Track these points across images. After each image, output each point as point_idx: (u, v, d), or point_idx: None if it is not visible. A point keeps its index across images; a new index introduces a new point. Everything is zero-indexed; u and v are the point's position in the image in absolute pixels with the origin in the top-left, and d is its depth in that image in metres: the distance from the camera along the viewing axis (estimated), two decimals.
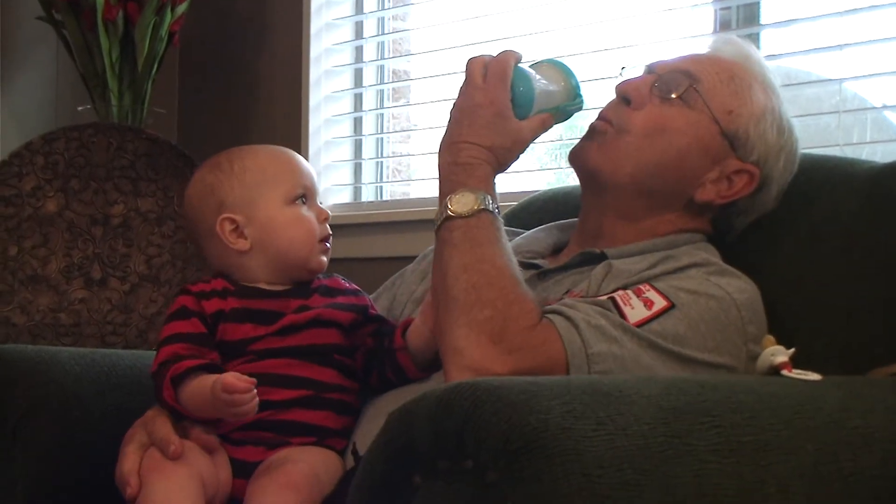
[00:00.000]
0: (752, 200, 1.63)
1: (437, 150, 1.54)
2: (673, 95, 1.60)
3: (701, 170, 1.60)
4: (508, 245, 1.48)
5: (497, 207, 1.47)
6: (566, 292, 1.56)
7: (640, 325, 1.41)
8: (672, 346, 1.41)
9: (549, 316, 1.41)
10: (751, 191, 1.61)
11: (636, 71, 1.67)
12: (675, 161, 1.60)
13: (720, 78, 1.62)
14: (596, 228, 1.66)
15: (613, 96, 1.65)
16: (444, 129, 1.54)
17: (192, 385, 1.48)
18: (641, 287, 1.46)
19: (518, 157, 1.54)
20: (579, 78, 1.58)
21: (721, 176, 1.60)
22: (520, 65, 1.53)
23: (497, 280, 1.41)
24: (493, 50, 1.55)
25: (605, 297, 1.45)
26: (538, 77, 1.55)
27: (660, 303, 1.43)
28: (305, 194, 1.61)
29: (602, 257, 1.59)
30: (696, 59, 1.66)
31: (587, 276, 1.57)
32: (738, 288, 1.50)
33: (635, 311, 1.42)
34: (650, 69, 1.66)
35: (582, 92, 1.58)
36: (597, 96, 1.71)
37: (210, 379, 1.45)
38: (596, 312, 1.41)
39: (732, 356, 1.45)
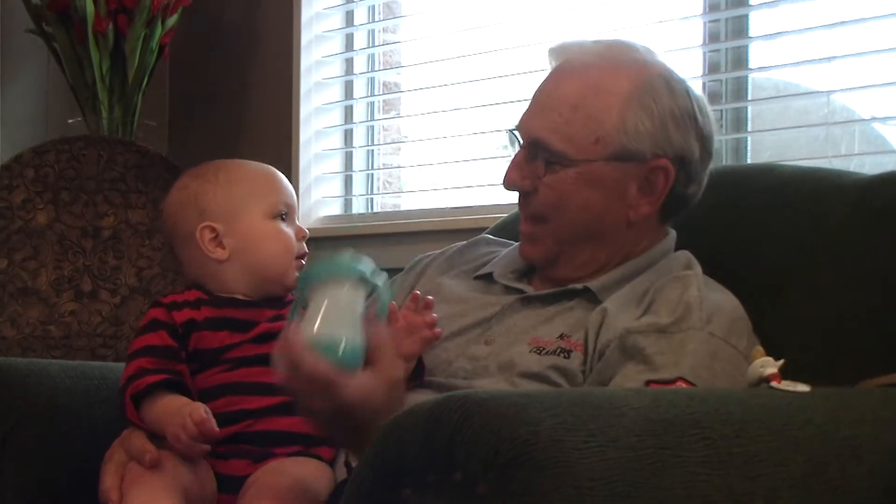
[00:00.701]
0: (684, 174, 1.62)
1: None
2: (544, 167, 1.60)
3: (618, 199, 1.61)
4: None
5: None
6: (560, 335, 1.56)
7: None
8: None
9: None
10: (674, 176, 1.61)
11: (515, 144, 1.67)
12: (592, 214, 1.61)
13: (565, 117, 1.60)
14: (560, 271, 1.67)
15: None
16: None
17: (156, 403, 1.50)
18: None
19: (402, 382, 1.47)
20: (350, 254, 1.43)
21: (640, 185, 1.61)
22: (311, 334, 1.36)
23: None
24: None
25: None
26: (330, 310, 1.38)
27: None
28: (287, 212, 1.64)
29: (586, 291, 1.60)
30: (538, 111, 1.64)
31: (578, 317, 1.58)
32: (735, 329, 1.52)
33: None
34: (521, 132, 1.65)
35: (366, 267, 1.41)
36: None
37: (178, 402, 1.48)
38: None
39: None
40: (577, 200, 1.61)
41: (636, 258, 1.63)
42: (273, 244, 1.62)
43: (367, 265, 1.42)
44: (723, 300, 1.56)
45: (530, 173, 1.63)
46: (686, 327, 1.50)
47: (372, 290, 1.41)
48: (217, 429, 1.46)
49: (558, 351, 1.53)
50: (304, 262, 1.65)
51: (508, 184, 1.66)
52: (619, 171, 1.59)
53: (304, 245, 1.66)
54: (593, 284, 1.61)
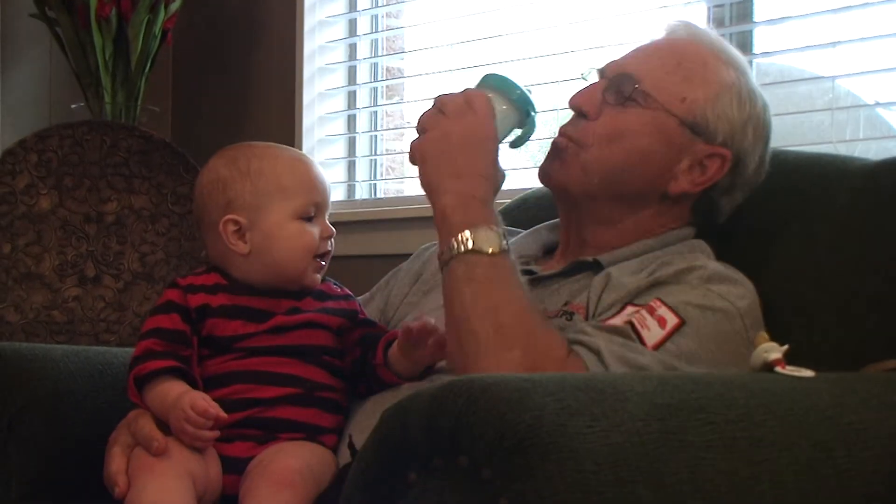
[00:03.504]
0: (730, 179, 1.63)
1: (436, 172, 1.50)
2: (621, 100, 1.60)
3: (669, 163, 1.61)
4: (526, 285, 1.48)
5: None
6: (565, 304, 1.56)
7: (658, 346, 1.42)
8: (687, 367, 1.42)
9: (576, 348, 1.41)
10: (725, 172, 1.62)
11: (593, 77, 1.67)
12: (640, 162, 1.60)
13: (666, 68, 1.62)
14: (579, 239, 1.67)
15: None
16: (441, 149, 1.51)
17: (156, 389, 1.49)
18: (653, 304, 1.46)
19: None
20: (529, 93, 1.57)
21: (693, 164, 1.61)
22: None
23: (526, 320, 1.40)
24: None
25: (622, 323, 1.45)
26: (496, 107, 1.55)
27: (672, 320, 1.44)
28: (316, 211, 1.61)
29: (595, 265, 1.60)
30: (641, 54, 1.66)
31: (584, 285, 1.57)
32: (738, 295, 1.51)
33: (651, 333, 1.43)
34: (602, 73, 1.66)
35: (532, 108, 1.56)
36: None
37: (177, 389, 1.47)
38: (618, 344, 1.41)
39: (738, 367, 1.46)
40: (635, 141, 1.60)
41: (650, 239, 1.63)
42: (292, 244, 1.59)
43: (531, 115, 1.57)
44: (736, 276, 1.55)
45: (599, 101, 1.62)
46: (685, 280, 1.51)
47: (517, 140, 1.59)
48: (224, 413, 1.46)
49: (561, 314, 1.53)
50: (323, 263, 1.63)
51: (576, 100, 1.64)
52: (685, 138, 1.60)
53: (330, 242, 1.63)
54: (603, 258, 1.61)
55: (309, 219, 1.61)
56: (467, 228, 1.44)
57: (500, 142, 1.54)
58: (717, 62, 1.63)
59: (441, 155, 1.50)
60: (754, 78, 1.68)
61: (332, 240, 1.64)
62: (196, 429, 1.44)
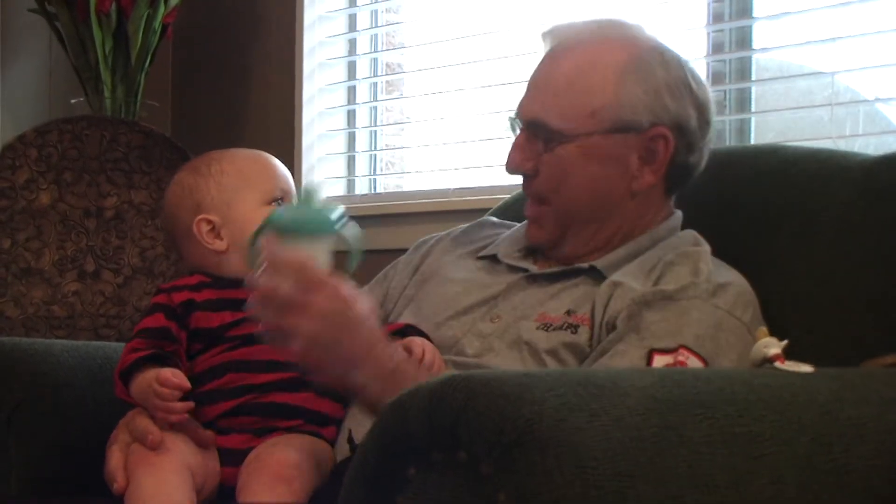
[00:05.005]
0: (683, 142, 1.62)
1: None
2: (546, 147, 1.61)
3: (623, 171, 1.61)
4: None
5: None
6: (567, 312, 1.56)
7: None
8: None
9: None
10: (674, 144, 1.61)
11: (517, 128, 1.67)
12: (599, 186, 1.62)
13: (559, 93, 1.61)
14: (570, 247, 1.67)
15: None
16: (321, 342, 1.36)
17: (138, 380, 1.52)
18: (682, 359, 1.46)
19: None
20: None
21: (641, 157, 1.61)
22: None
23: None
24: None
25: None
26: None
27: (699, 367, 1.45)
28: (283, 197, 1.65)
29: (592, 270, 1.60)
30: (535, 91, 1.65)
31: (585, 292, 1.58)
32: (742, 304, 1.52)
33: None
34: (520, 116, 1.66)
35: (341, 222, 1.40)
36: None
37: (153, 373, 1.49)
38: None
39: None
40: (579, 177, 1.61)
41: (640, 236, 1.63)
42: None
43: (340, 217, 1.40)
44: (730, 276, 1.56)
45: (532, 154, 1.63)
46: (692, 296, 1.51)
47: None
48: (188, 384, 1.47)
49: (565, 326, 1.54)
50: None
51: (511, 166, 1.66)
52: (619, 143, 1.60)
53: None
54: (599, 263, 1.61)
55: (278, 205, 1.65)
56: None
57: (352, 269, 1.40)
58: (600, 52, 1.63)
59: (337, 339, 1.37)
60: (648, 33, 1.66)
61: None
62: (164, 401, 1.45)
